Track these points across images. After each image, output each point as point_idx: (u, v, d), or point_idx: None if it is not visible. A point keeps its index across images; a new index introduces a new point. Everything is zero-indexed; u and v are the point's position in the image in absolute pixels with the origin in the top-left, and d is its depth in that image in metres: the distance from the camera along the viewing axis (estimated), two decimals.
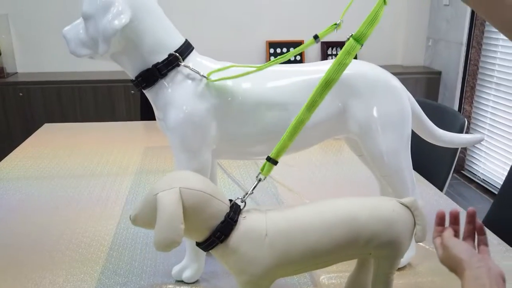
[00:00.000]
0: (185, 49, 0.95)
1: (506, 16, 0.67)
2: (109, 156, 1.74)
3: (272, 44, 3.52)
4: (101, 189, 1.45)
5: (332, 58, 3.56)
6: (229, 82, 0.95)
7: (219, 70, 0.93)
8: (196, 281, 0.99)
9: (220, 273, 1.02)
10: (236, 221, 0.77)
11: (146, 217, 0.77)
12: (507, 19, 0.67)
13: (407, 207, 0.80)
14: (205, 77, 0.92)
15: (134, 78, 0.95)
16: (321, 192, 1.43)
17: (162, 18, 0.94)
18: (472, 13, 3.12)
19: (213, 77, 0.93)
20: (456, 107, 3.31)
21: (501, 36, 2.95)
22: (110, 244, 1.13)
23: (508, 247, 1.10)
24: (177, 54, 0.93)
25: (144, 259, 1.08)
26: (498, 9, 0.67)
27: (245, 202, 0.81)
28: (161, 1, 1.01)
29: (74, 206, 1.34)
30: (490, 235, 1.15)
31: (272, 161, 0.81)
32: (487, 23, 3.08)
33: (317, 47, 3.58)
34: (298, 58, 3.54)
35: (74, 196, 1.40)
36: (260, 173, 0.81)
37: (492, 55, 3.05)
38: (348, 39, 0.80)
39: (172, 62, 0.92)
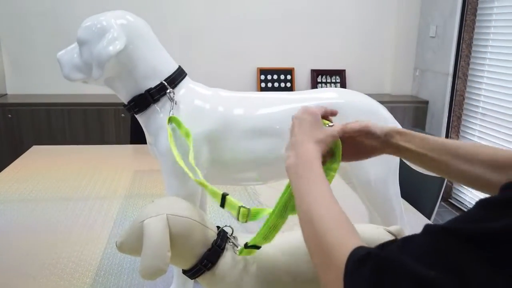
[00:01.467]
0: (178, 75, 0.96)
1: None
2: (97, 179, 1.73)
3: (263, 71, 3.57)
4: (88, 212, 1.44)
5: (322, 86, 3.62)
6: (220, 108, 0.96)
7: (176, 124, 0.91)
8: None
9: None
10: (223, 249, 0.77)
11: (132, 244, 0.76)
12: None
13: (394, 235, 0.80)
14: (170, 112, 0.91)
15: (126, 103, 0.96)
16: None
17: (156, 44, 0.96)
18: (458, 44, 3.21)
19: (206, 105, 0.95)
20: (443, 136, 3.36)
21: (486, 67, 3.03)
22: (96, 270, 1.11)
23: None
24: (165, 83, 0.93)
25: (130, 285, 1.06)
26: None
27: (232, 229, 0.81)
28: (155, 28, 1.03)
29: (60, 230, 1.32)
30: None
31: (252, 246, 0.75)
32: (472, 54, 3.17)
33: (307, 74, 3.64)
34: (288, 85, 3.58)
35: (60, 220, 1.38)
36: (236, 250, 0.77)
37: (478, 86, 3.12)
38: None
39: (165, 88, 0.94)
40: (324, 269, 0.49)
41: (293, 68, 3.60)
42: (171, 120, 0.91)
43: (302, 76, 3.65)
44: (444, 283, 0.37)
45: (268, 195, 1.59)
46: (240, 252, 0.76)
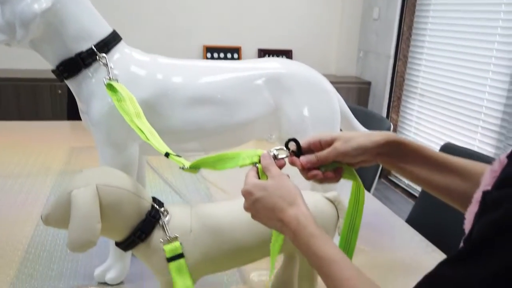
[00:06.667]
0: (112, 39, 0.91)
1: None
2: (29, 156, 1.63)
3: (209, 49, 3.50)
4: (18, 191, 1.35)
5: None
6: (159, 76, 0.92)
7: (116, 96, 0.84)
8: (121, 283, 0.94)
9: (146, 274, 0.98)
10: (158, 219, 0.74)
11: (59, 216, 0.71)
12: None
13: (331, 201, 0.81)
14: (109, 80, 0.85)
15: (55, 67, 0.89)
16: None
17: (87, 5, 0.90)
18: (399, 27, 3.31)
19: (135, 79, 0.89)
20: (384, 115, 3.48)
21: (425, 50, 3.15)
22: (26, 248, 1.05)
23: (429, 243, 1.16)
24: (95, 49, 0.87)
25: (63, 261, 1.01)
26: None
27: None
28: (93, 1, 0.95)
29: None
30: (413, 233, 1.21)
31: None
32: (413, 37, 3.28)
33: (254, 53, 3.62)
34: (236, 56, 3.54)
35: None
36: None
37: (417, 68, 3.24)
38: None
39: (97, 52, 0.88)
40: None
41: (240, 47, 3.56)
42: (110, 86, 0.85)
43: (249, 55, 3.62)
44: None
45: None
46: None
